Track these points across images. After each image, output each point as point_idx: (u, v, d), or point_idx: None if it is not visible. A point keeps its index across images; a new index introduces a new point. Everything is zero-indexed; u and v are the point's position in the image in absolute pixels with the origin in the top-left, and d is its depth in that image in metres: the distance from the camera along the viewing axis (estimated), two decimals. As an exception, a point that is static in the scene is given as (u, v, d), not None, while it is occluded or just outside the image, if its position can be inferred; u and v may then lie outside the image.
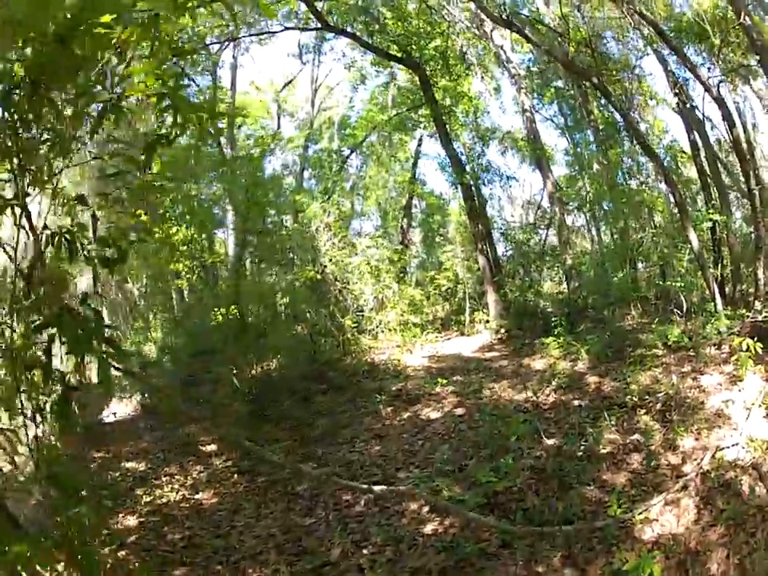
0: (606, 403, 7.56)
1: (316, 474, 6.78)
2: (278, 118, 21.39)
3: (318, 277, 13.57)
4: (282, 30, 15.34)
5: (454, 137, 15.48)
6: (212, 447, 8.68)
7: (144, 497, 6.95)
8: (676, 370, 7.82)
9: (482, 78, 17.89)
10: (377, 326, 13.05)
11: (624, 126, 13.90)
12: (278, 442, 8.39)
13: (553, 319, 11.36)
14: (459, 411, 8.48)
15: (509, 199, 19.70)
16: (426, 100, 14.79)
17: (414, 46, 14.52)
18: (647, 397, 7.16)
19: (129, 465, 8.23)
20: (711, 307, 9.59)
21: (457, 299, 16.71)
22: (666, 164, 12.78)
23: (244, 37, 16.46)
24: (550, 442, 6.64)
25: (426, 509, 5.66)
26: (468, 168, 15.01)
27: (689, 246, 10.50)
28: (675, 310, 10.48)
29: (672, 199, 11.81)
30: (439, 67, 15.54)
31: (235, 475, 7.55)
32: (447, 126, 15.00)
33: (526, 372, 9.91)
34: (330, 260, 13.35)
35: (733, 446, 5.62)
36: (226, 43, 17.41)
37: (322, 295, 13.74)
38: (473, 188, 14.61)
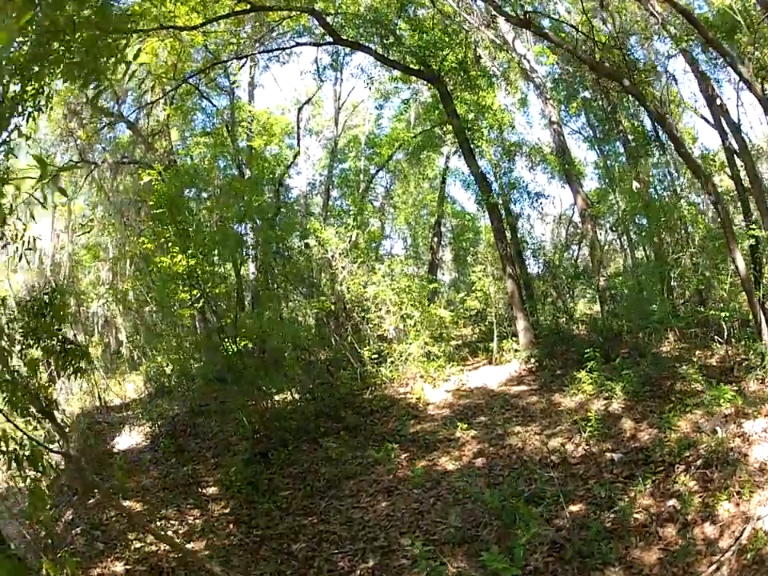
0: (641, 457, 6.71)
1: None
2: (298, 138, 20.81)
3: (332, 306, 13.01)
4: (294, 46, 15.02)
5: (480, 153, 14.68)
6: (213, 490, 8.29)
7: (135, 542, 6.58)
8: (718, 411, 6.93)
9: (507, 90, 17.15)
10: (398, 357, 12.35)
11: (654, 136, 12.98)
12: (279, 491, 7.84)
13: (586, 350, 10.55)
14: (479, 462, 7.71)
15: (539, 215, 18.76)
16: (447, 114, 14.09)
17: (432, 58, 13.86)
18: (687, 452, 6.30)
19: (127, 503, 7.82)
20: (755, 336, 8.66)
21: (487, 323, 15.87)
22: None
23: (256, 53, 16.05)
24: (575, 508, 5.86)
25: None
26: (495, 186, 14.24)
27: (732, 267, 9.59)
28: (716, 337, 9.64)
29: (711, 214, 10.87)
30: (460, 80, 14.83)
31: (231, 525, 7.13)
32: (472, 142, 14.26)
33: (555, 412, 9.06)
34: (348, 289, 12.75)
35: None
36: (243, 60, 17.14)
37: (339, 325, 13.17)
38: (499, 208, 13.83)
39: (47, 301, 9.09)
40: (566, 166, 14.36)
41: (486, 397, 10.79)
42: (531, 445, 7.89)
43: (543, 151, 17.13)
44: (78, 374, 9.69)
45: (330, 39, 13.66)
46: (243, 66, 18.08)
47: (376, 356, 12.45)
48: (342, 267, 13.02)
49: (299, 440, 9.40)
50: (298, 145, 20.79)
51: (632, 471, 6.42)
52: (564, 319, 13.54)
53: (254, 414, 9.90)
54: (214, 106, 18.27)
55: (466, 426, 8.86)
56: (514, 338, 13.52)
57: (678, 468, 6.14)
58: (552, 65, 16.19)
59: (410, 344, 12.41)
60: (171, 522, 7.31)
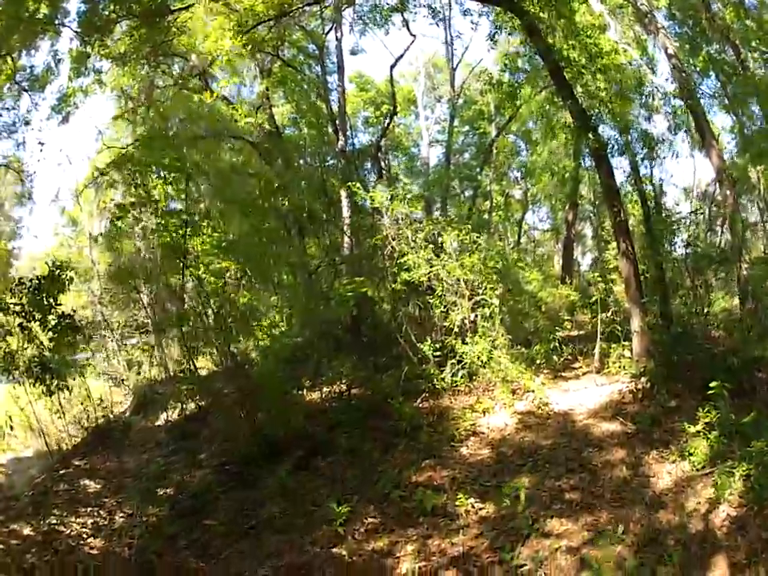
0: None
1: None
2: (393, 99, 18.70)
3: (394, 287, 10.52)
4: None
5: (587, 94, 10.87)
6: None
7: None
8: None
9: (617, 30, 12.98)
10: (471, 357, 9.62)
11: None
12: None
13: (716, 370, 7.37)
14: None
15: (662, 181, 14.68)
16: (537, 51, 10.45)
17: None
18: None
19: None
20: None
21: (609, 314, 12.48)
22: None
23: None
24: None
25: None
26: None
27: None
28: None
29: None
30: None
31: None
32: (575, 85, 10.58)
33: (633, 496, 5.96)
34: (406, 267, 10.15)
35: None
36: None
37: (396, 311, 10.69)
38: (608, 158, 10.14)
39: (45, 277, 8.86)
40: (696, 109, 10.38)
41: (559, 434, 7.77)
42: (555, 567, 4.98)
43: (663, 90, 12.65)
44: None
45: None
46: (330, 29, 16.43)
47: (438, 353, 9.82)
48: (400, 238, 10.42)
49: (282, 466, 7.38)
50: (394, 106, 18.68)
51: None
52: (695, 320, 9.91)
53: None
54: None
55: (469, 501, 6.01)
56: (625, 342, 10.18)
57: None
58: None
59: (477, 342, 9.64)
60: None
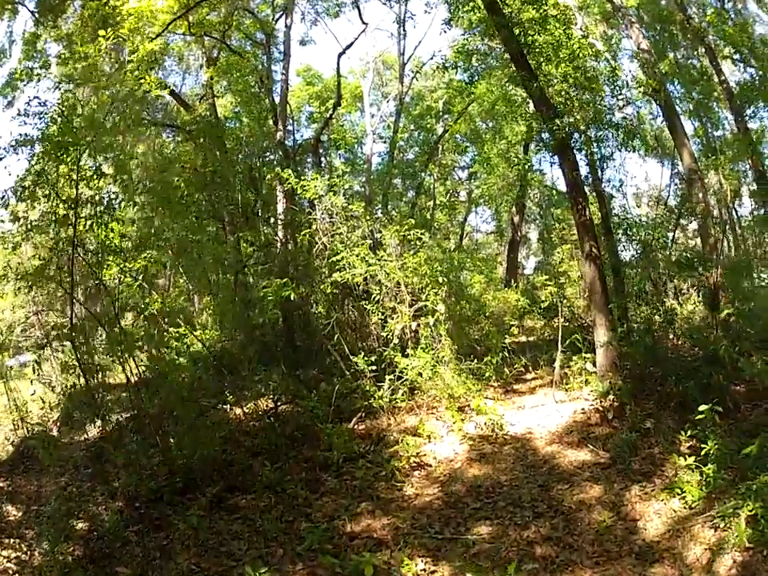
0: None
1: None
2: (338, 89, 17.73)
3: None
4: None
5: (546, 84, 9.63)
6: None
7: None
8: None
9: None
10: (410, 372, 8.27)
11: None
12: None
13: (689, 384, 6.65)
14: None
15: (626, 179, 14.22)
16: (495, 25, 9.25)
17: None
18: None
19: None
20: None
21: (559, 321, 11.42)
22: None
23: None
24: None
25: None
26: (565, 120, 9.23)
27: None
28: None
29: None
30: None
31: None
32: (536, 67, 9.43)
33: (623, 541, 4.79)
34: (338, 267, 8.79)
35: None
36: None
37: (329, 317, 9.27)
38: (572, 150, 9.04)
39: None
40: (668, 104, 9.50)
41: (519, 465, 6.57)
42: None
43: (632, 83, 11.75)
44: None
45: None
46: (281, 16, 15.84)
47: (375, 367, 8.41)
48: (333, 234, 9.09)
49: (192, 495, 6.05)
50: (338, 97, 17.68)
51: None
52: (662, 329, 8.94)
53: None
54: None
55: (426, 557, 4.72)
56: (588, 354, 9.04)
57: None
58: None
59: (419, 356, 8.34)
60: None
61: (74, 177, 7.27)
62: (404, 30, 20.27)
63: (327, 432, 7.08)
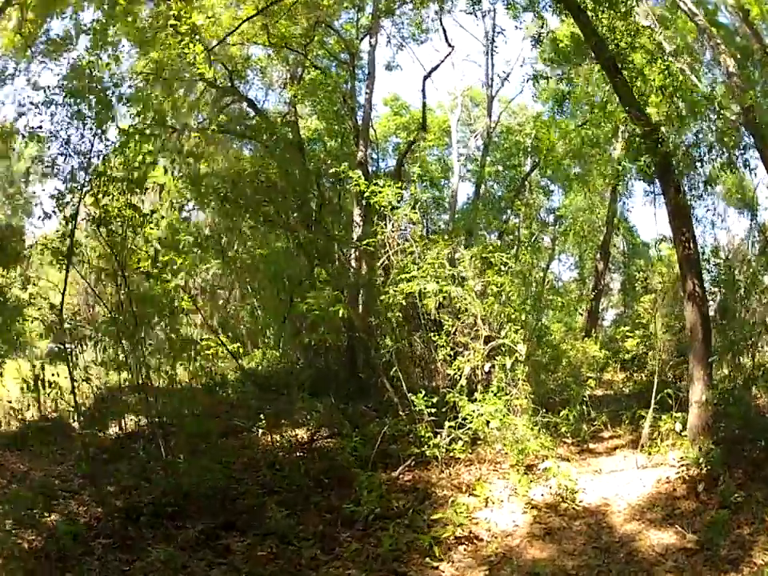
0: None
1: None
2: (423, 116, 17.12)
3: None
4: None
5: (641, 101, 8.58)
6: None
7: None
8: None
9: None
10: (469, 420, 7.23)
11: None
12: None
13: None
14: None
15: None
16: (588, 42, 8.36)
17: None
18: None
19: None
20: None
21: (647, 373, 10.01)
22: None
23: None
24: None
25: None
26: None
27: None
28: None
29: None
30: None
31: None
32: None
33: None
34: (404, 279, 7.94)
35: None
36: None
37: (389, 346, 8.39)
38: (676, 174, 7.90)
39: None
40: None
41: (592, 546, 5.38)
42: None
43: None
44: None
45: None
46: (366, 35, 15.23)
47: (435, 410, 7.40)
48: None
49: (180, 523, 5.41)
50: (423, 121, 17.09)
51: None
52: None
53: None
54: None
55: None
56: (678, 414, 7.64)
57: None
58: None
59: (489, 401, 7.28)
60: None
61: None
62: (494, 48, 19.51)
63: (361, 480, 6.15)
